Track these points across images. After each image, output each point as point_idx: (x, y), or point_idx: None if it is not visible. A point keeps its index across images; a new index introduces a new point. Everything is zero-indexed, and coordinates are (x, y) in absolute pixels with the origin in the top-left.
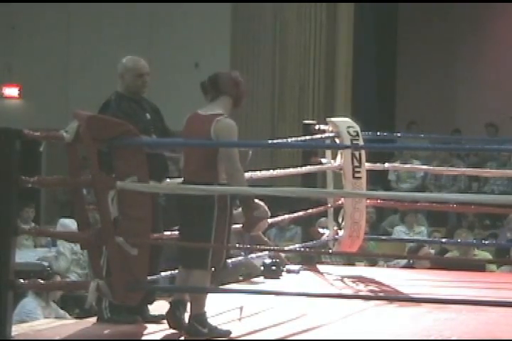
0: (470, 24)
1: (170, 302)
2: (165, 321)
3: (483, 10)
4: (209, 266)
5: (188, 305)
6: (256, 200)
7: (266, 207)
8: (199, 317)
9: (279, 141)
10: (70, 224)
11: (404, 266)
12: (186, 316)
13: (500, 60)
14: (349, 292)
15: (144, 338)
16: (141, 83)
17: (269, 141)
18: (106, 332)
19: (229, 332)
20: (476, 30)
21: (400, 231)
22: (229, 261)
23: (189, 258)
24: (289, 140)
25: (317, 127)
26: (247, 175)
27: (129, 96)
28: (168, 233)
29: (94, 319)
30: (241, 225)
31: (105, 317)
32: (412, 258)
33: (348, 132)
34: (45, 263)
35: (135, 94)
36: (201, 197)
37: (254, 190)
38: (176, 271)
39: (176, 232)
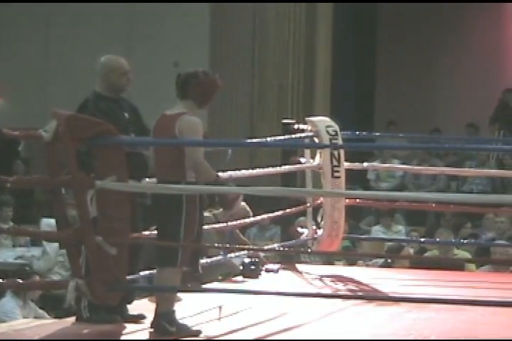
0: (449, 24)
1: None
2: (144, 320)
3: (463, 10)
4: (178, 263)
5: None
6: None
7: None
8: (167, 315)
9: (258, 140)
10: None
11: (383, 266)
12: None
13: (480, 59)
14: (328, 291)
15: (123, 338)
16: (125, 81)
17: (248, 141)
18: (85, 331)
19: (199, 332)
20: (455, 30)
21: (377, 231)
22: (208, 260)
23: (160, 257)
24: (268, 139)
25: (296, 126)
26: (227, 174)
27: (107, 96)
28: (147, 232)
29: (73, 318)
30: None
31: (84, 317)
32: (391, 257)
33: (327, 131)
34: (24, 263)
35: (118, 92)
36: (169, 196)
37: (231, 190)
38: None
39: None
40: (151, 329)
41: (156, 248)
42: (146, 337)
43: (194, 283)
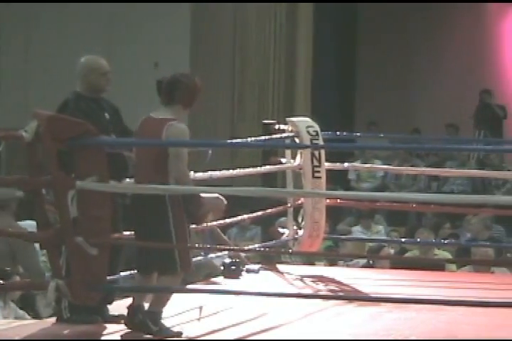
0: (429, 25)
1: (128, 308)
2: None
3: (443, 11)
4: (179, 270)
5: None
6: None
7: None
8: (154, 314)
9: (239, 140)
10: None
11: (364, 266)
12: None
13: (459, 60)
14: (309, 291)
15: (103, 338)
16: (105, 81)
17: (229, 141)
18: (65, 332)
19: (180, 334)
20: (435, 31)
21: (357, 231)
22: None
23: (155, 265)
24: (249, 140)
25: (277, 127)
26: (207, 174)
27: (87, 96)
28: (128, 233)
29: (53, 319)
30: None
31: (65, 317)
32: (372, 257)
33: (308, 132)
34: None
35: (99, 92)
36: (153, 200)
37: (212, 190)
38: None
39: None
40: (133, 324)
41: (152, 255)
42: (127, 337)
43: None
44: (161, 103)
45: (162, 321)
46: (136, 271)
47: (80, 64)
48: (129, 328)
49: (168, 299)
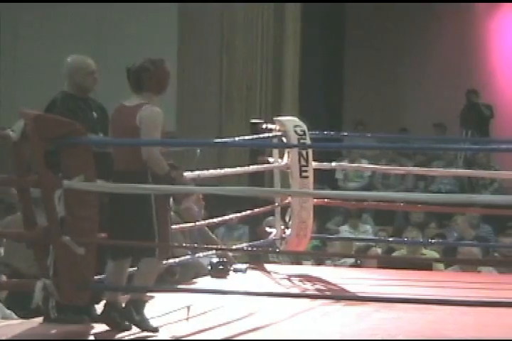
0: (417, 25)
1: (104, 304)
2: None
3: (430, 11)
4: (157, 253)
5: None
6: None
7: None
8: (137, 303)
9: (227, 140)
10: None
11: (352, 266)
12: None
13: (446, 59)
14: (296, 291)
15: (90, 338)
16: (92, 81)
17: (217, 140)
18: (52, 331)
19: (156, 330)
20: (422, 31)
21: (345, 231)
22: (176, 260)
23: (133, 249)
24: (237, 139)
25: (264, 126)
26: (195, 174)
27: (75, 95)
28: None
29: (40, 319)
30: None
31: (52, 317)
32: (360, 257)
33: (295, 131)
34: None
35: (85, 92)
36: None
37: (198, 190)
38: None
39: None
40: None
41: (131, 239)
42: (114, 337)
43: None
44: (132, 91)
45: (144, 313)
46: (109, 258)
47: (66, 64)
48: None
49: (150, 287)
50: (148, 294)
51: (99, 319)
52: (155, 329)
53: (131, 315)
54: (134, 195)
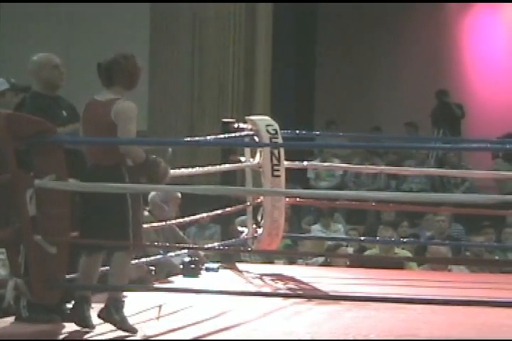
0: (388, 24)
1: (75, 300)
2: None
3: (402, 11)
4: (131, 248)
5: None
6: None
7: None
8: (116, 302)
9: (198, 139)
10: None
11: (321, 265)
12: (91, 312)
13: (418, 58)
14: (268, 290)
15: (62, 337)
16: (58, 74)
17: (188, 139)
18: (24, 331)
19: (135, 330)
20: (394, 30)
21: (316, 230)
22: (148, 259)
23: (107, 243)
24: (208, 138)
25: (236, 125)
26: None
27: (44, 94)
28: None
29: (12, 318)
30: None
31: (23, 316)
32: (332, 256)
33: (267, 130)
34: None
35: (53, 88)
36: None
37: (170, 188)
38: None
39: None
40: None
41: (104, 233)
42: (85, 336)
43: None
44: (103, 85)
45: (123, 311)
46: (83, 253)
47: (31, 63)
48: (76, 324)
49: (125, 283)
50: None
51: (69, 316)
52: (134, 330)
53: (111, 314)
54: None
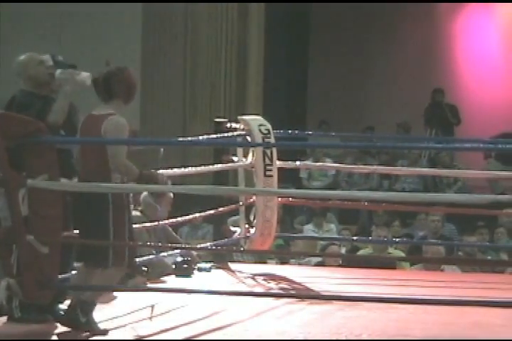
0: (381, 25)
1: (69, 305)
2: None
3: (395, 11)
4: (110, 264)
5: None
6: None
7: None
8: (85, 305)
9: (191, 138)
10: None
11: (317, 265)
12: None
13: (411, 58)
14: (260, 290)
15: (54, 337)
16: (44, 71)
17: (180, 139)
18: (16, 331)
19: (105, 332)
20: (386, 30)
21: (309, 230)
22: (140, 259)
23: (89, 258)
24: (201, 138)
25: (228, 125)
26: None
27: (34, 93)
28: (77, 231)
29: (4, 318)
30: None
31: (16, 317)
32: (325, 255)
33: (260, 130)
34: None
35: (42, 86)
36: (94, 196)
37: (163, 188)
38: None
39: None
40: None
41: (84, 249)
42: (79, 336)
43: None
44: (101, 100)
45: (93, 316)
46: (80, 263)
47: (16, 64)
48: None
49: (101, 293)
50: (111, 295)
51: (62, 318)
52: (103, 332)
53: (76, 316)
54: (91, 198)
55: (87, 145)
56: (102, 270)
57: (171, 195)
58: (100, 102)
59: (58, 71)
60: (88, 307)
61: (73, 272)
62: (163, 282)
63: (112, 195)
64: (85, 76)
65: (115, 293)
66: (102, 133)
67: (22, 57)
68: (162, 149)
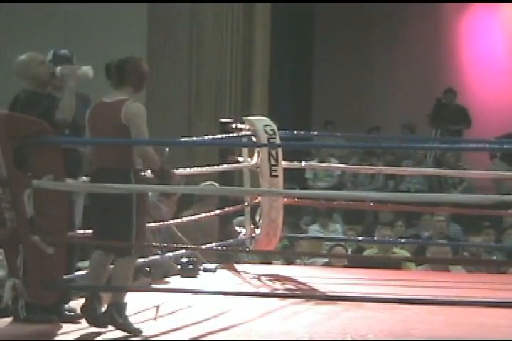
0: (385, 25)
1: (85, 297)
2: (81, 320)
3: (399, 11)
4: (133, 252)
5: (105, 297)
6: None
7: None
8: (118, 306)
9: (196, 139)
10: None
11: (324, 265)
12: (102, 310)
13: (416, 59)
14: (266, 290)
15: (59, 337)
16: (46, 70)
17: (186, 139)
18: (21, 331)
19: (140, 332)
20: (391, 31)
21: (314, 231)
22: (145, 259)
23: (115, 248)
24: (206, 138)
25: (234, 126)
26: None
27: (38, 92)
28: (81, 231)
29: (10, 319)
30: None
31: (21, 317)
32: (331, 256)
33: (265, 130)
34: None
35: (45, 85)
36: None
37: (168, 189)
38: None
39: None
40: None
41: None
42: (83, 337)
43: (143, 279)
44: (112, 86)
45: (127, 316)
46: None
47: (17, 63)
48: (88, 322)
49: (121, 286)
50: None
51: (100, 321)
52: (138, 332)
53: (114, 317)
54: (115, 196)
55: (102, 134)
56: (124, 259)
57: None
58: (111, 89)
59: (58, 68)
60: (121, 308)
61: (77, 273)
62: (168, 282)
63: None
64: (86, 69)
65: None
66: (123, 120)
67: (22, 56)
68: (167, 149)
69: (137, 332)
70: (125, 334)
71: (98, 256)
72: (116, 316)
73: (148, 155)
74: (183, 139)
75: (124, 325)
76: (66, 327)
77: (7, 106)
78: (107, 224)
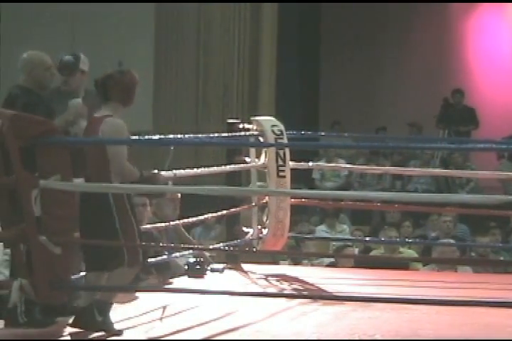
0: (393, 25)
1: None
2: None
3: (407, 11)
4: (126, 262)
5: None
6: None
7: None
8: (102, 304)
9: (203, 138)
10: None
11: (329, 265)
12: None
13: (423, 59)
14: (273, 290)
15: (63, 338)
16: (49, 75)
17: (194, 139)
18: (23, 331)
19: (120, 332)
20: (399, 31)
21: (321, 231)
22: (153, 260)
23: (102, 261)
24: (213, 138)
25: (241, 126)
26: (171, 173)
27: (33, 90)
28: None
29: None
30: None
31: (21, 322)
32: (338, 256)
33: (273, 131)
34: None
35: (43, 88)
36: (95, 199)
37: (175, 189)
38: None
39: None
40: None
41: (99, 252)
42: (87, 337)
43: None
44: (101, 102)
45: (109, 315)
46: (86, 270)
47: (23, 60)
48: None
49: (128, 287)
50: (132, 295)
51: (77, 318)
52: (119, 332)
53: (92, 315)
54: (92, 202)
55: (90, 148)
56: (117, 271)
57: (179, 195)
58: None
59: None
60: (104, 307)
61: (82, 273)
62: (175, 283)
63: (113, 196)
64: (72, 107)
65: (137, 294)
66: (100, 136)
67: (29, 56)
68: (172, 148)
69: (116, 332)
70: (125, 334)
71: (93, 277)
72: (95, 314)
73: (125, 169)
74: (190, 138)
75: (103, 324)
76: (69, 328)
77: (2, 102)
78: (90, 228)
